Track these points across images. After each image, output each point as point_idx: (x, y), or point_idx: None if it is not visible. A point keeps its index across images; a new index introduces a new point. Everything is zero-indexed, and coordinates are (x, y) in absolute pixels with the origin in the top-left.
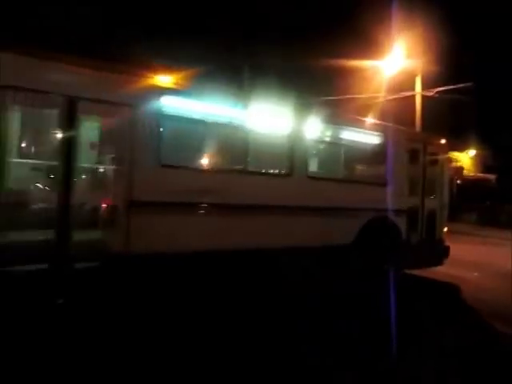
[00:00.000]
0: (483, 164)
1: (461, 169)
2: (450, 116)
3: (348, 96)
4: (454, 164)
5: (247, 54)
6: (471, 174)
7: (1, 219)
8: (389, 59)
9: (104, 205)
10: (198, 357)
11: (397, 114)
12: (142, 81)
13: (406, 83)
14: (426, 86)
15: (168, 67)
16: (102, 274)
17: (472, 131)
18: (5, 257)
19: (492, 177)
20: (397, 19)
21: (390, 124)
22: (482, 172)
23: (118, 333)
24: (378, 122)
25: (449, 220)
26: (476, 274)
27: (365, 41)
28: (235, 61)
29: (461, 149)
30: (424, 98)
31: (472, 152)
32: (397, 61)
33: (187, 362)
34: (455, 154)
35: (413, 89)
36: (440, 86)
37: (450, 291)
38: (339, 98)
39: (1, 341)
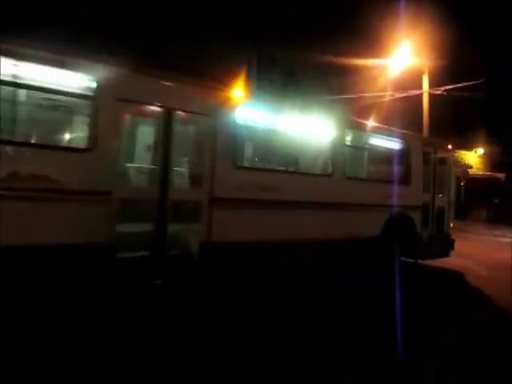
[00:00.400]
0: (492, 161)
1: (467, 167)
2: (457, 114)
3: (355, 95)
4: (461, 163)
5: (254, 51)
6: (480, 173)
7: (117, 214)
8: (394, 58)
9: (191, 201)
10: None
11: (403, 113)
12: (220, 94)
13: (413, 82)
14: (431, 84)
15: (238, 81)
16: (190, 259)
17: (480, 129)
18: (118, 245)
19: (501, 175)
20: (403, 17)
21: (411, 132)
22: (492, 170)
23: (202, 303)
24: (400, 130)
25: (458, 218)
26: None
27: (370, 39)
28: (241, 59)
29: (468, 147)
30: (431, 96)
31: (480, 150)
32: (403, 59)
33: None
34: (463, 153)
35: (418, 87)
36: (446, 84)
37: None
38: (346, 96)
39: (112, 312)
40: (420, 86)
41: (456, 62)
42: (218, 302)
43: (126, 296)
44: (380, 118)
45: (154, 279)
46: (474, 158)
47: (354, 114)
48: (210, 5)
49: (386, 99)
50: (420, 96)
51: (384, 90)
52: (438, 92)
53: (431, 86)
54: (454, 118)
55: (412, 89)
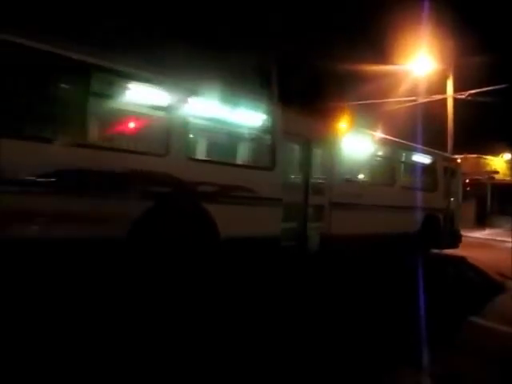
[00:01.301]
0: None
1: (492, 173)
2: (482, 118)
3: (379, 100)
4: (487, 169)
5: (276, 53)
6: (507, 179)
7: (282, 215)
8: (416, 63)
9: (319, 205)
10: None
11: (425, 118)
12: (334, 127)
13: (435, 88)
14: (455, 89)
15: (345, 117)
16: (320, 247)
17: (507, 133)
18: (281, 237)
19: None
20: (422, 22)
21: (436, 151)
22: None
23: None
24: (430, 149)
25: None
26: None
27: (389, 45)
28: (263, 62)
29: (495, 152)
30: (456, 100)
31: (507, 155)
32: (424, 64)
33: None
34: (489, 158)
35: (438, 94)
36: (471, 89)
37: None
38: (370, 102)
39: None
40: (439, 92)
41: (479, 66)
42: (330, 278)
43: (285, 273)
44: (401, 123)
45: (298, 261)
46: (500, 163)
47: (375, 119)
48: (226, 12)
49: (406, 105)
50: (440, 101)
51: (406, 96)
52: (463, 96)
53: (450, 90)
54: (480, 122)
55: (435, 95)
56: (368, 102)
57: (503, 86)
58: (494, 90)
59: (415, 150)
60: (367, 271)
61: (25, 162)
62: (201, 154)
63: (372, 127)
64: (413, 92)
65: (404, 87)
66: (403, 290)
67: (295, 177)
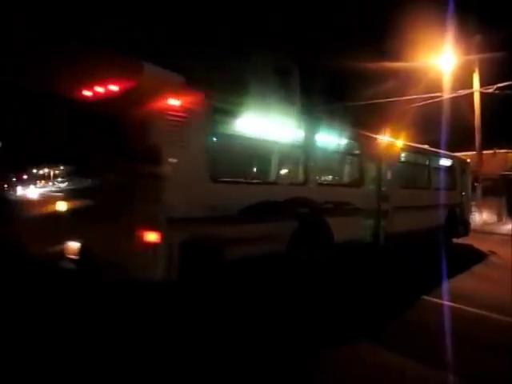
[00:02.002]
0: None
1: None
2: (506, 113)
3: (403, 98)
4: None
5: (296, 54)
6: None
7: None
8: (441, 58)
9: (385, 209)
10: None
11: (450, 114)
12: (393, 146)
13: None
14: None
15: (401, 137)
16: (386, 243)
17: None
18: (364, 237)
19: None
20: (449, 16)
21: (454, 154)
22: None
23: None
24: (450, 153)
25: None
26: None
27: (415, 41)
28: (283, 61)
29: None
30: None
31: None
32: (451, 59)
33: None
34: None
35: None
36: (496, 83)
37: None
38: (394, 99)
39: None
40: (460, 88)
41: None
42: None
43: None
44: (423, 120)
45: (373, 255)
46: None
47: (398, 116)
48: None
49: (429, 101)
50: (461, 97)
51: (428, 92)
52: (490, 91)
53: (476, 85)
54: (509, 116)
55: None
56: (392, 99)
57: None
58: None
59: (443, 156)
60: (415, 257)
61: (230, 200)
62: (322, 179)
63: (396, 125)
64: (435, 88)
65: (426, 84)
66: (434, 268)
67: (371, 188)
